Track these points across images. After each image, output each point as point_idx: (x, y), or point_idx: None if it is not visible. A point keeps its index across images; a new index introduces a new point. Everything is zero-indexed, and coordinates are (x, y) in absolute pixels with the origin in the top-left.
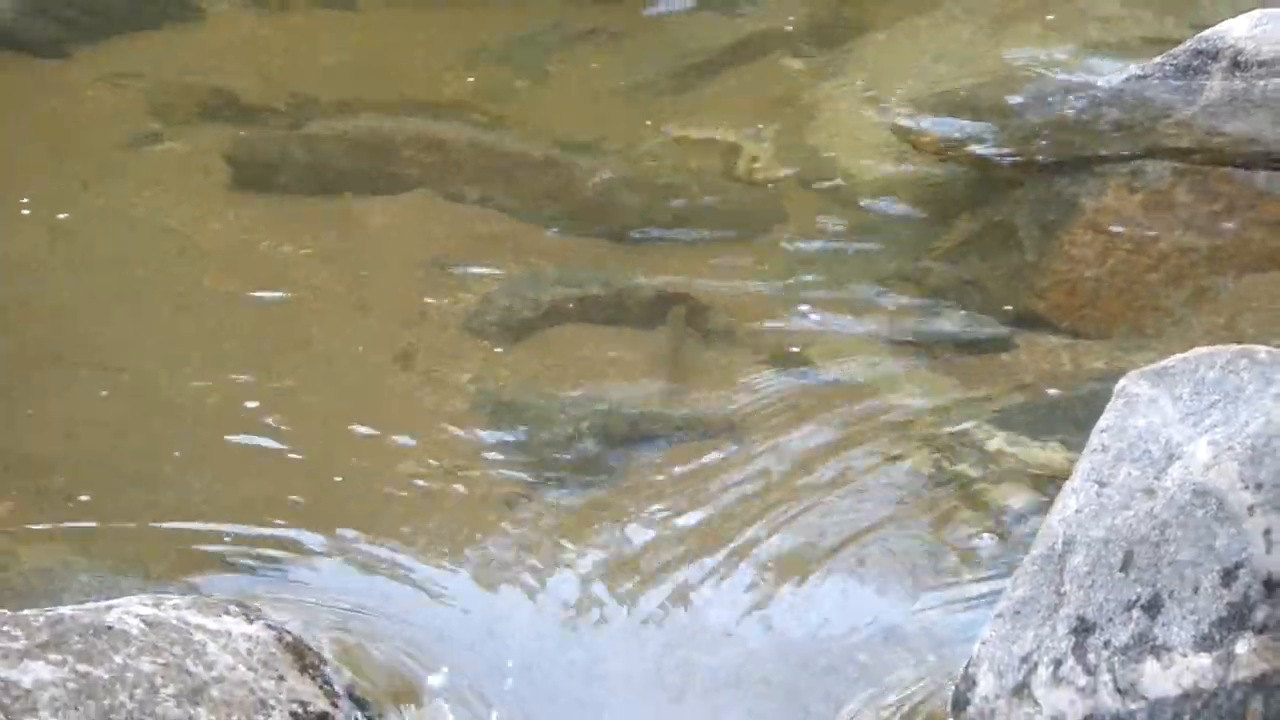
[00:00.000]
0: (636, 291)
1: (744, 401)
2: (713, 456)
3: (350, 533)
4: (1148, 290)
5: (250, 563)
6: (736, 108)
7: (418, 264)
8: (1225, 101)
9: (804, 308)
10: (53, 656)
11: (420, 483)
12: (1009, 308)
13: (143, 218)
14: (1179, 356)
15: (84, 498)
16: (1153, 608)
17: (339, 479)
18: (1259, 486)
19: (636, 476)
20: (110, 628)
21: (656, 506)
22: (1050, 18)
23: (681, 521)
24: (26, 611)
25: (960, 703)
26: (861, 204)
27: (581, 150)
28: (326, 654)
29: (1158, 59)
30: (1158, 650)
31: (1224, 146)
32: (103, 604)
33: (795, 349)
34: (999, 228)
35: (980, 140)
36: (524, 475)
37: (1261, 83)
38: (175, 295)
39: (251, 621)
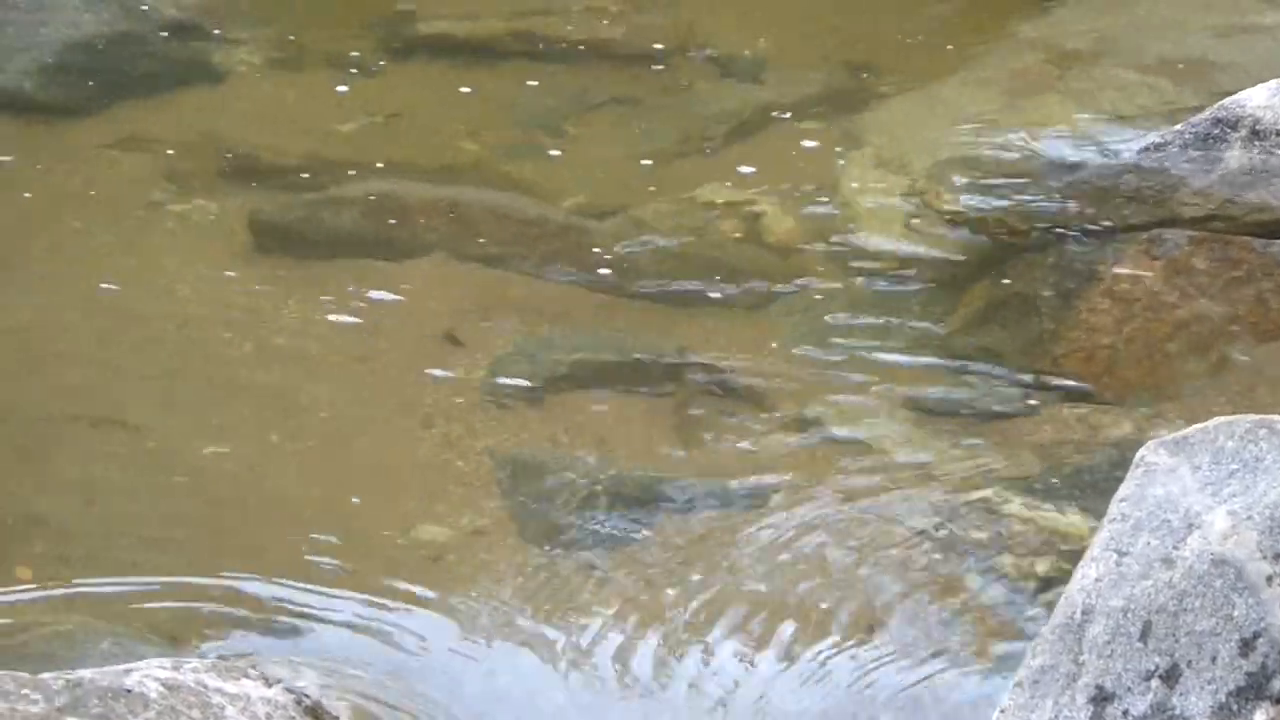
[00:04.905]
0: (653, 356)
1: (759, 467)
2: (728, 522)
3: (370, 596)
4: (1166, 358)
5: (269, 626)
6: (755, 174)
7: (434, 328)
8: (1244, 170)
9: (821, 374)
10: None
11: (439, 547)
12: (1028, 375)
13: (163, 280)
14: (1198, 426)
15: (103, 561)
16: (1171, 677)
17: (358, 543)
18: (1277, 556)
19: (653, 541)
20: (129, 691)
21: (673, 572)
22: (1067, 86)
23: (698, 586)
24: (45, 675)
25: None
26: (880, 270)
27: (599, 215)
28: (344, 718)
29: (1177, 127)
30: None
31: (1243, 215)
32: (122, 667)
33: (812, 415)
34: (1017, 294)
35: (998, 207)
36: (542, 538)
37: None
38: (194, 359)
39: (270, 685)
